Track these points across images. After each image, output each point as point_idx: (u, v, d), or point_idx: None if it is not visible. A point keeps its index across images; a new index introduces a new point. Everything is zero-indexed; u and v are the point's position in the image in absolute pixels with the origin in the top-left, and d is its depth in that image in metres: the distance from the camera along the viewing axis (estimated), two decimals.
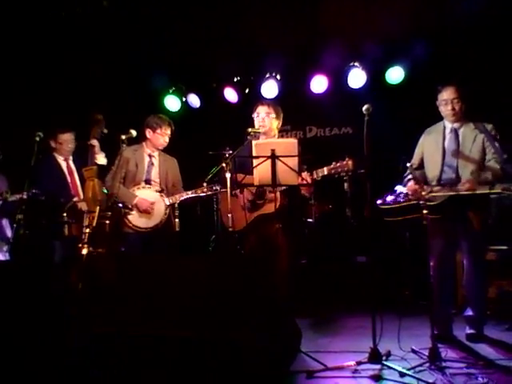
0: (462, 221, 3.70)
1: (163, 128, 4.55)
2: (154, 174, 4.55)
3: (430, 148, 3.90)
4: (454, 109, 3.76)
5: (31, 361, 2.96)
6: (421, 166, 3.95)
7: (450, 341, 3.71)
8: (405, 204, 3.77)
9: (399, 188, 3.92)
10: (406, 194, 3.81)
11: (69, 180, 4.84)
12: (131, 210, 4.31)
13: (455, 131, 3.80)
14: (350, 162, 3.75)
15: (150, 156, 4.58)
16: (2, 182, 4.98)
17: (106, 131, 4.25)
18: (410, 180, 3.79)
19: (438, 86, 3.86)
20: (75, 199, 4.54)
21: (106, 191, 4.26)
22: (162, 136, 4.56)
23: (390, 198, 3.91)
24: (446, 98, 3.78)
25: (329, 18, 5.40)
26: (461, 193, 3.53)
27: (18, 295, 3.20)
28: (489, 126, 3.69)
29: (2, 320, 3.11)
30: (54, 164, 4.85)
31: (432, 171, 3.83)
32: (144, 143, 4.59)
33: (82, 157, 4.65)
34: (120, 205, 4.14)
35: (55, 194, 4.58)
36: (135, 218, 4.36)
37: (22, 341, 3.03)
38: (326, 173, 3.84)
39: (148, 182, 4.50)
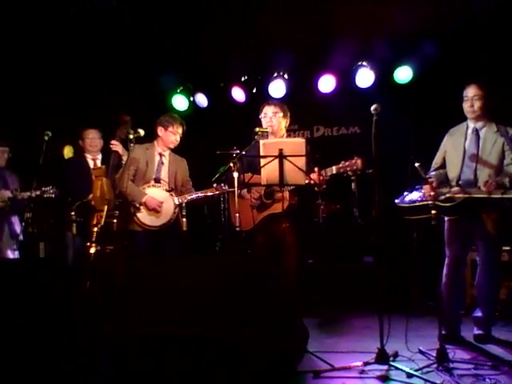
0: (477, 222, 3.69)
1: (175, 126, 4.57)
2: (164, 173, 4.57)
3: (452, 148, 3.90)
4: (472, 106, 3.75)
5: (40, 359, 2.97)
6: (443, 165, 3.95)
7: (457, 341, 3.70)
8: (421, 204, 3.75)
9: (407, 198, 3.91)
10: (422, 196, 3.80)
11: (92, 178, 4.86)
12: (139, 208, 4.32)
13: (476, 132, 3.80)
14: (359, 161, 3.75)
15: (160, 155, 4.59)
16: (13, 180, 5.02)
17: (131, 132, 4.29)
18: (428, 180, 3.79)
19: (465, 84, 3.85)
20: (90, 196, 4.55)
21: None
22: (173, 134, 4.57)
23: (408, 197, 3.91)
24: (467, 95, 3.78)
25: (336, 18, 5.39)
26: (474, 196, 3.53)
27: (27, 294, 3.22)
28: (511, 131, 3.69)
29: (12, 318, 3.13)
30: (82, 163, 4.92)
31: (452, 171, 3.83)
32: (155, 142, 4.61)
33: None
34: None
35: (76, 192, 4.61)
36: (144, 216, 4.37)
37: (31, 339, 3.05)
38: (334, 172, 3.84)
39: (157, 180, 4.52)
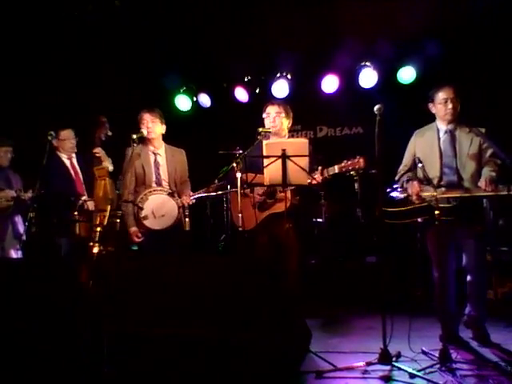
0: (468, 222, 3.67)
1: (141, 117, 4.43)
2: (163, 174, 4.48)
3: (425, 149, 3.84)
4: (454, 108, 3.74)
5: (43, 360, 2.98)
6: (412, 167, 3.87)
7: (456, 342, 3.68)
8: (414, 207, 3.71)
9: (394, 194, 3.86)
10: (406, 197, 3.73)
11: (74, 178, 4.85)
12: (142, 210, 4.31)
13: (450, 133, 3.77)
14: (361, 160, 3.74)
15: (154, 154, 4.49)
16: (17, 180, 5.03)
17: (109, 133, 4.26)
18: (409, 181, 3.74)
19: (433, 89, 3.83)
20: (83, 198, 4.54)
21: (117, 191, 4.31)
22: (143, 125, 4.42)
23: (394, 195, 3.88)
24: (446, 97, 3.75)
25: (340, 18, 5.39)
26: (483, 194, 3.51)
27: (29, 293, 3.22)
28: (483, 130, 3.70)
29: (13, 318, 3.14)
30: (59, 162, 4.82)
31: (429, 173, 3.72)
32: (146, 142, 4.49)
33: (86, 157, 4.67)
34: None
35: (63, 192, 4.59)
36: (147, 221, 4.35)
37: (33, 340, 3.05)
38: (337, 171, 3.83)
39: (158, 183, 4.45)
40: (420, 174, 3.73)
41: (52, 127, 4.65)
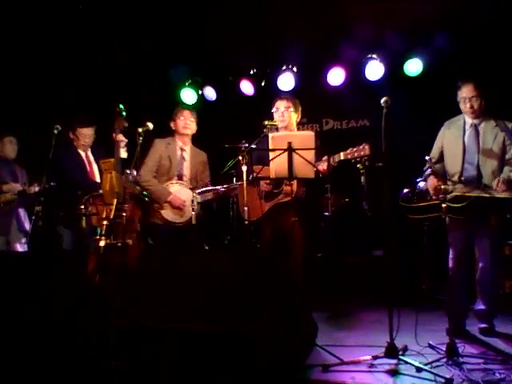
0: (484, 220, 3.65)
1: (179, 112, 4.58)
2: (186, 169, 4.56)
3: (450, 142, 3.85)
4: (472, 107, 3.71)
5: (48, 353, 2.99)
6: (440, 159, 3.91)
7: (462, 335, 3.67)
8: (427, 203, 3.72)
9: (421, 184, 3.87)
10: (427, 190, 3.76)
11: (88, 170, 4.86)
12: (162, 205, 4.32)
13: (475, 127, 3.75)
14: (366, 147, 3.74)
15: (181, 149, 4.59)
16: (22, 174, 5.04)
17: (126, 124, 4.26)
18: (430, 175, 3.75)
19: (458, 82, 3.82)
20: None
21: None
22: (181, 121, 4.57)
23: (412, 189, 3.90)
24: (465, 96, 3.73)
25: (346, 10, 5.36)
26: (496, 196, 3.47)
27: (35, 286, 3.24)
28: (510, 125, 3.66)
29: (19, 311, 3.15)
30: (74, 153, 4.84)
31: (453, 167, 3.78)
32: (176, 136, 4.61)
33: (100, 150, 4.68)
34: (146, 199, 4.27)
35: (78, 182, 4.58)
36: (166, 213, 4.38)
37: (38, 333, 3.07)
38: (342, 158, 3.82)
39: (180, 177, 4.52)
40: (447, 167, 3.78)
41: (59, 121, 4.65)
